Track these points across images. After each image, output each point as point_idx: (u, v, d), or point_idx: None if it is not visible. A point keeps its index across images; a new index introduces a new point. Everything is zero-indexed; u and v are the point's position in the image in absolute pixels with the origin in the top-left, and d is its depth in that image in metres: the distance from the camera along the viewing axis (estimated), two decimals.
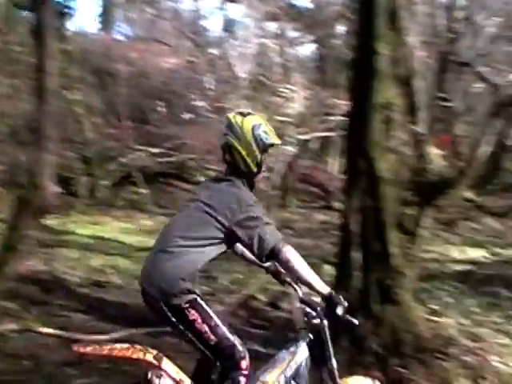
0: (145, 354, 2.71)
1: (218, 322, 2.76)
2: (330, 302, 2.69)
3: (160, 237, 2.89)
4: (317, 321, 2.74)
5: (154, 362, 2.68)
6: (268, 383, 2.73)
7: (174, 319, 2.72)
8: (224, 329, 2.75)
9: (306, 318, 2.79)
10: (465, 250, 9.17)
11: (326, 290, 2.72)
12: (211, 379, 2.81)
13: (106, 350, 2.70)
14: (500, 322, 5.34)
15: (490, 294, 6.30)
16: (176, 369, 2.75)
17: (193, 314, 2.72)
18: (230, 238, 2.79)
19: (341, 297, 2.70)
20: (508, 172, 16.02)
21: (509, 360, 4.37)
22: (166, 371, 2.68)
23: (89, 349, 2.72)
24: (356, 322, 2.74)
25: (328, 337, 2.74)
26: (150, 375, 2.65)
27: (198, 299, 2.77)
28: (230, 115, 2.96)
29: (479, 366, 4.15)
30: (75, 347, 2.74)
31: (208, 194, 2.86)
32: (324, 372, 2.78)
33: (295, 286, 2.96)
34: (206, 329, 2.71)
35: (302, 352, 2.80)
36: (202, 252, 2.78)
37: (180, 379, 2.72)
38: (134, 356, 2.70)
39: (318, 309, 2.72)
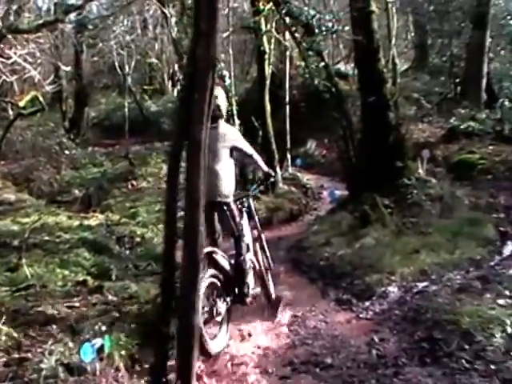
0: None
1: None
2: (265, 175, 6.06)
3: (210, 171, 4.62)
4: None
5: (211, 249, 5.11)
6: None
7: (228, 213, 5.39)
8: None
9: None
10: None
11: (266, 168, 6.04)
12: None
13: None
14: None
15: None
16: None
17: (236, 211, 5.48)
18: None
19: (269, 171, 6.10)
20: None
21: None
22: (217, 252, 5.21)
23: None
24: (273, 174, 6.36)
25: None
26: (212, 254, 5.09)
27: (235, 203, 5.58)
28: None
29: None
30: None
31: (216, 134, 5.24)
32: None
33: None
34: (238, 219, 5.46)
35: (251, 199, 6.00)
36: (232, 170, 5.53)
37: (223, 254, 5.30)
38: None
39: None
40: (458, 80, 17.45)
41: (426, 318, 5.07)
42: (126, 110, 15.99)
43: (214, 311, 5.00)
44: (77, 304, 5.85)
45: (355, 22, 9.24)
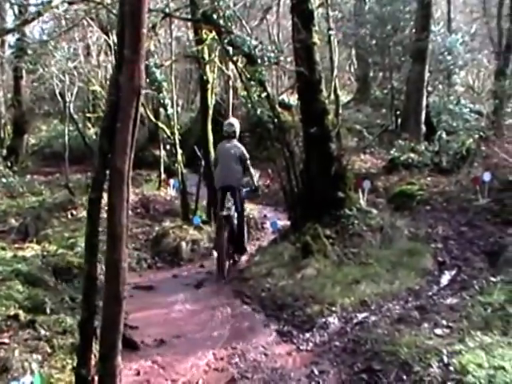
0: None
1: None
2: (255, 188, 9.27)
3: (225, 166, 8.77)
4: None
5: (229, 212, 8.44)
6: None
7: (237, 194, 8.67)
8: None
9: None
10: None
11: (256, 184, 9.42)
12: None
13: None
14: None
15: None
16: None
17: (241, 194, 8.83)
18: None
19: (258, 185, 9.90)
20: None
21: None
22: (231, 215, 8.52)
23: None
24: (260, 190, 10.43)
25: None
26: (229, 216, 8.51)
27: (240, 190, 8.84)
28: (231, 120, 9.58)
29: None
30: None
31: (230, 146, 8.86)
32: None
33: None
34: (241, 200, 8.87)
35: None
36: (241, 169, 8.75)
37: (234, 217, 8.77)
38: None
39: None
40: (398, 112, 17.89)
41: (365, 349, 5.06)
42: (67, 137, 15.62)
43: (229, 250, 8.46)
44: (6, 340, 5.59)
45: (298, 53, 9.31)
